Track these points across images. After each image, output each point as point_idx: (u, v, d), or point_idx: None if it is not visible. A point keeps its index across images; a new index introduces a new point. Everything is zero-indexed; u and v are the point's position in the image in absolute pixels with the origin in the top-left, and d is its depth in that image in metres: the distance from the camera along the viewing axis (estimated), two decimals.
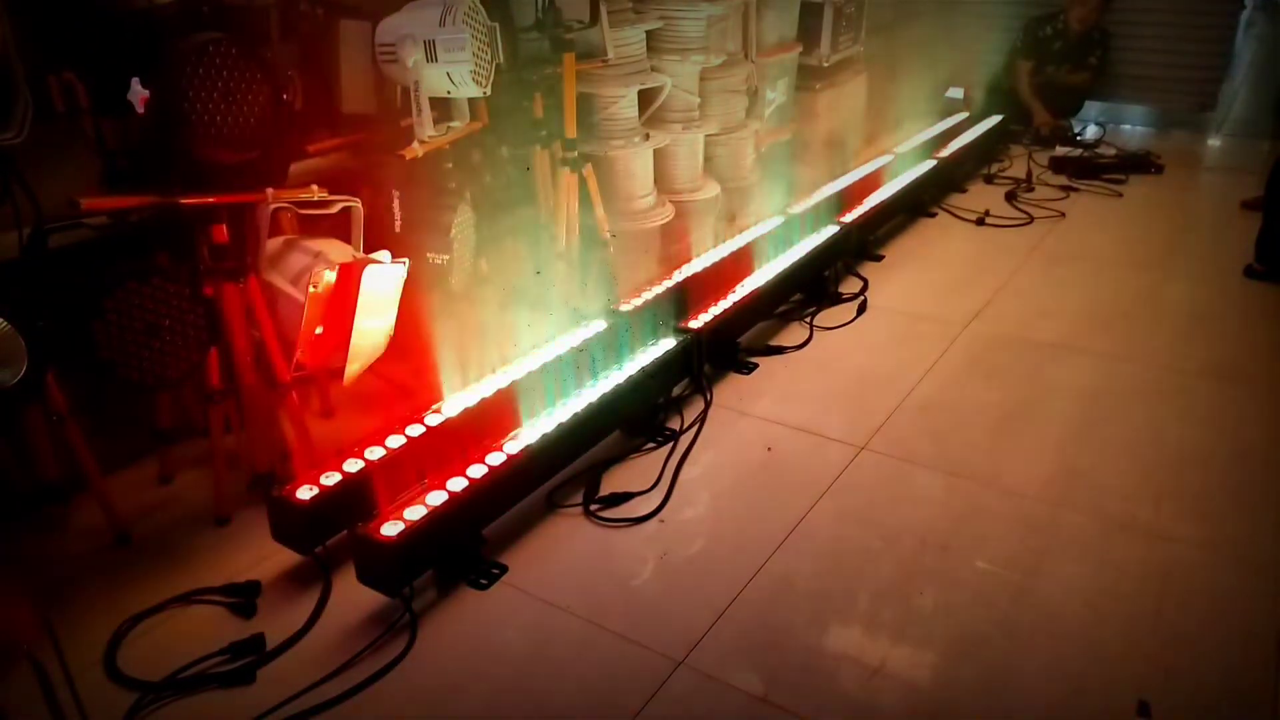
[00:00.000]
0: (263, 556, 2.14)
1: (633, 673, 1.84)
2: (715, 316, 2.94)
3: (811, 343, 3.20)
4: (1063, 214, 4.41)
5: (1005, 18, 5.89)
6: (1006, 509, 2.31)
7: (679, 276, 3.13)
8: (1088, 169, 4.91)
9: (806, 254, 3.44)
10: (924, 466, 2.50)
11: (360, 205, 2.40)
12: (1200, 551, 2.16)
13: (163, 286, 2.01)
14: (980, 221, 4.31)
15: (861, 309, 3.44)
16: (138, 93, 1.93)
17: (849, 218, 3.78)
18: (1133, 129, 5.97)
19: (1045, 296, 3.54)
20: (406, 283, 2.38)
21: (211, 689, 1.80)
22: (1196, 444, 2.57)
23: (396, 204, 2.51)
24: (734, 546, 2.19)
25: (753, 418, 2.74)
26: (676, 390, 2.83)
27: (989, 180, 4.90)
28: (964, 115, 5.51)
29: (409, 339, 2.48)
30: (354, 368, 2.34)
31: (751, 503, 2.37)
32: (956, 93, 6.06)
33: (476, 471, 2.12)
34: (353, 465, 2.13)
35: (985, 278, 3.71)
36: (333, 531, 2.10)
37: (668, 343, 2.74)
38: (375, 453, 2.17)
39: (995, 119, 5.42)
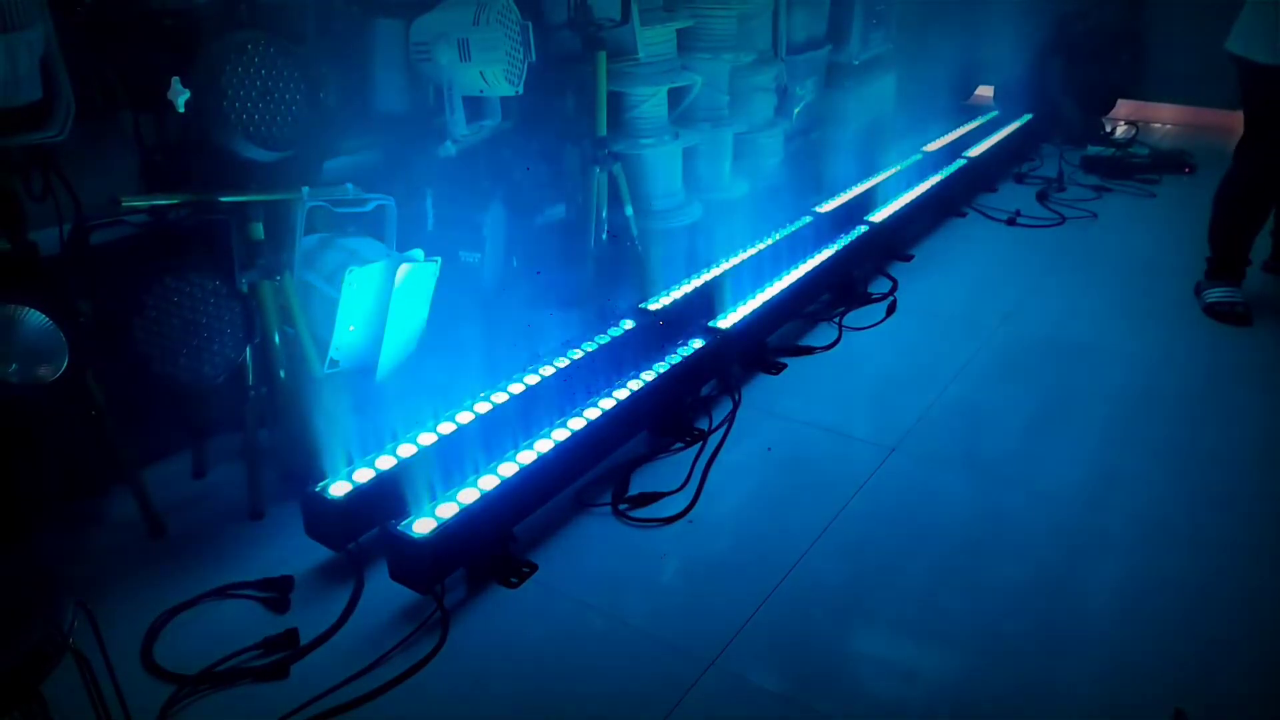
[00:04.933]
0: (296, 552, 2.16)
1: (662, 673, 1.84)
2: (743, 316, 2.93)
3: (840, 343, 3.18)
4: (1095, 214, 4.36)
5: (1037, 15, 5.83)
6: (1040, 512, 2.29)
7: (707, 276, 3.13)
8: (1120, 169, 4.86)
9: (835, 253, 3.42)
10: (955, 469, 2.48)
11: (394, 203, 2.41)
12: (1237, 557, 2.13)
13: (200, 283, 2.04)
14: (1011, 221, 4.27)
15: (891, 309, 3.42)
16: (177, 91, 1.95)
17: (878, 217, 3.76)
18: (1164, 128, 5.90)
19: (1077, 297, 3.50)
20: (439, 280, 2.39)
21: (246, 683, 1.82)
22: (1231, 447, 2.54)
23: (429, 202, 2.52)
24: (763, 547, 2.19)
25: (781, 418, 2.73)
26: (705, 390, 2.82)
27: (1020, 179, 4.86)
28: (995, 113, 5.47)
29: (441, 336, 2.50)
30: (387, 365, 2.36)
31: (781, 504, 2.36)
32: (987, 91, 6.01)
33: (508, 470, 2.13)
34: (385, 462, 2.15)
35: (1016, 278, 3.68)
36: (365, 528, 2.12)
37: (696, 342, 2.74)
38: (408, 450, 2.18)
39: (1026, 117, 5.38)
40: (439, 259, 2.36)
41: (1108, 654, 1.87)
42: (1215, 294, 3.32)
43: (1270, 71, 2.99)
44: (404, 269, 2.26)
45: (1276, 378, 2.91)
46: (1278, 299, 3.44)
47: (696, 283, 3.07)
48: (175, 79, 1.94)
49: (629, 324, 2.79)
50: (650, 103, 3.28)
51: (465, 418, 2.31)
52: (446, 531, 1.95)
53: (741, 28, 3.58)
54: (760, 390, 2.89)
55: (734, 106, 3.70)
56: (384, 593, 2.03)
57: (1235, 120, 3.29)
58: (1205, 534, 2.21)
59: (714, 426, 2.67)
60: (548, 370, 2.52)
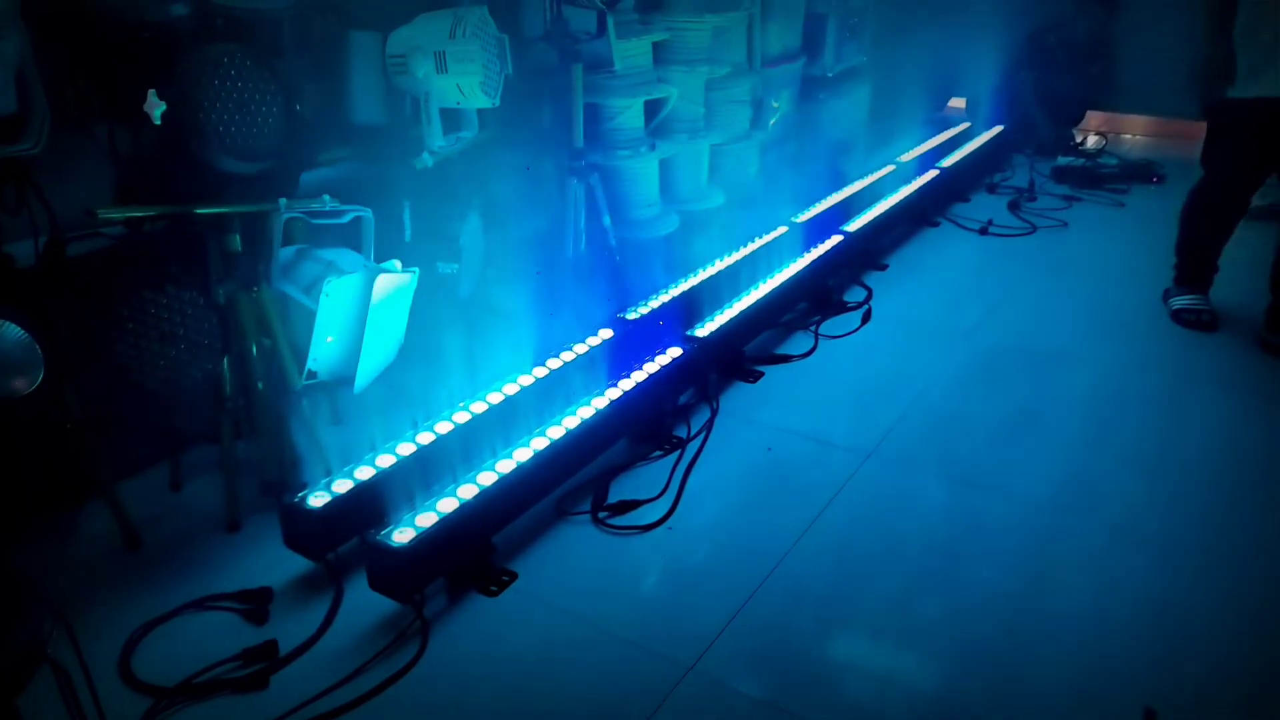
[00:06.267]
0: (274, 563, 2.15)
1: (642, 679, 1.85)
2: (721, 325, 2.96)
3: (817, 351, 3.21)
4: (1065, 223, 4.43)
5: (1009, 28, 5.91)
6: (1013, 517, 2.33)
7: (685, 285, 3.15)
8: (1090, 179, 4.94)
9: (811, 263, 3.46)
10: (931, 475, 2.51)
11: (371, 215, 2.42)
12: (1207, 558, 2.16)
13: (177, 295, 2.04)
14: (983, 231, 4.33)
15: (866, 318, 3.45)
16: (153, 104, 1.95)
17: (853, 227, 3.80)
18: (1134, 138, 5.99)
19: (1049, 305, 3.56)
20: (417, 291, 2.40)
21: (225, 694, 1.81)
22: (1202, 452, 2.59)
23: (407, 213, 2.53)
24: (742, 554, 2.21)
25: (759, 426, 2.75)
26: (683, 399, 2.84)
27: (992, 190, 4.93)
28: (967, 124, 5.54)
29: (420, 347, 2.50)
30: (365, 376, 2.36)
31: (759, 510, 2.38)
32: (960, 102, 6.09)
33: (487, 479, 2.14)
34: (364, 473, 2.15)
35: (989, 287, 3.73)
36: (344, 538, 2.12)
37: (674, 351, 2.76)
38: (386, 461, 2.19)
39: (998, 128, 5.45)
40: (417, 270, 2.37)
41: (1080, 655, 1.90)
42: (1182, 301, 3.38)
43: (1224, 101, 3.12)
44: (382, 280, 2.26)
45: (1241, 382, 2.97)
46: (1242, 306, 3.50)
47: (674, 292, 3.10)
48: (151, 91, 1.94)
49: (607, 333, 2.81)
50: (626, 114, 3.32)
51: (444, 427, 2.31)
52: (426, 541, 1.95)
53: (716, 40, 3.63)
54: (738, 398, 2.92)
55: (710, 118, 3.73)
56: (363, 603, 2.03)
57: (1203, 131, 3.37)
58: (1175, 536, 2.25)
59: (692, 434, 2.69)
60: (526, 380, 2.53)
